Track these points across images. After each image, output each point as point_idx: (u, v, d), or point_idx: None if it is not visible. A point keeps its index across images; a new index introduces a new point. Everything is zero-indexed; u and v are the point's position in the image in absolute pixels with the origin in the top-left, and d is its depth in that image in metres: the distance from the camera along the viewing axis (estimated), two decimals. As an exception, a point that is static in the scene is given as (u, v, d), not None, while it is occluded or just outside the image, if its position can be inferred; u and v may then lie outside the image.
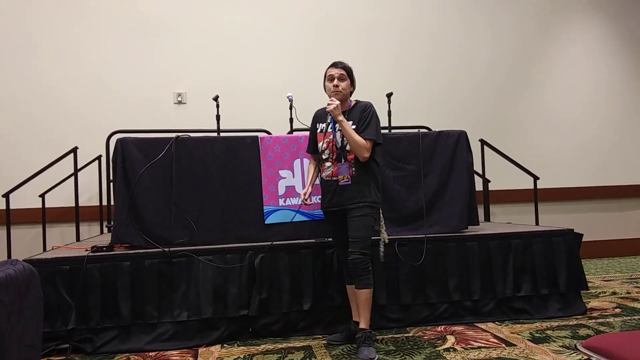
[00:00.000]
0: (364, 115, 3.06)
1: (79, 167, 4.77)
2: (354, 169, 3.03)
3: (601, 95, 6.52)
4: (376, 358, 2.90)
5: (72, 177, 4.79)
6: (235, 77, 5.59)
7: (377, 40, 6.01)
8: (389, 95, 4.65)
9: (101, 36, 5.47)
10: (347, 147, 3.04)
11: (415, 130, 3.96)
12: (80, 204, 4.86)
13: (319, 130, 3.18)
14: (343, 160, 3.05)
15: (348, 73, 3.09)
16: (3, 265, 1.55)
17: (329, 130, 3.11)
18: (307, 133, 3.58)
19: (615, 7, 6.58)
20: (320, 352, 3.07)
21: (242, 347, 3.21)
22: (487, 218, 5.14)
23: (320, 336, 3.39)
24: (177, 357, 3.09)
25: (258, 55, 5.70)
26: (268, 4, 5.81)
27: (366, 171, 3.06)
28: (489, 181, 5.30)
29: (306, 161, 3.67)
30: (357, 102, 3.16)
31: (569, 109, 6.42)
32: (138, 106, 5.41)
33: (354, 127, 3.02)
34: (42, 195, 4.67)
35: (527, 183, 5.20)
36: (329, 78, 3.10)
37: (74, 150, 4.71)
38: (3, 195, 4.20)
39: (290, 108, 4.23)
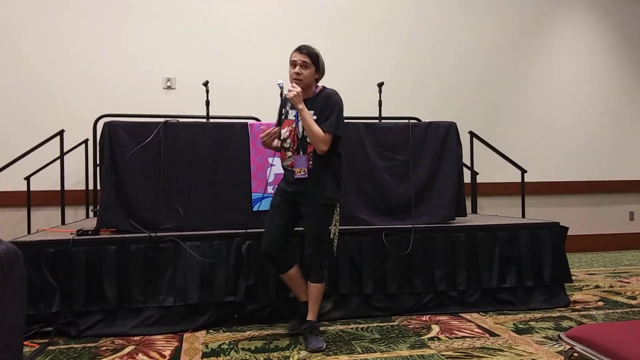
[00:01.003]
0: (326, 105, 2.88)
1: (65, 150, 4.71)
2: (311, 162, 2.88)
3: (590, 90, 6.58)
4: (324, 347, 2.89)
5: (58, 161, 4.73)
6: (225, 64, 5.54)
7: (377, 34, 5.99)
8: (380, 85, 4.64)
9: (91, 20, 5.39)
10: (308, 139, 2.88)
11: (406, 121, 3.95)
12: (66, 187, 4.80)
13: (284, 116, 3.02)
14: (302, 152, 2.89)
15: (313, 60, 2.89)
16: (-14, 245, 1.53)
17: (292, 118, 2.96)
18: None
19: (611, 1, 6.61)
20: (306, 339, 3.08)
21: (227, 333, 3.21)
22: (474, 210, 5.17)
23: (306, 324, 3.39)
24: (162, 342, 3.08)
25: (249, 42, 5.65)
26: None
27: (325, 165, 2.91)
28: (477, 173, 5.33)
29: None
30: (323, 89, 2.98)
31: (557, 104, 6.47)
32: (127, 91, 5.35)
33: (315, 117, 2.86)
34: (28, 178, 4.62)
35: (514, 176, 5.24)
36: (291, 63, 2.90)
37: (60, 134, 4.64)
38: (-13, 177, 4.15)
39: (281, 95, 4.19)
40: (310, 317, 3.01)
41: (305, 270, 3.05)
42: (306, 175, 2.88)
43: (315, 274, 2.97)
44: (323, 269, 2.98)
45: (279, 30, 5.72)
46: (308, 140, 2.88)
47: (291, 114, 2.97)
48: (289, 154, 2.95)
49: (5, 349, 1.43)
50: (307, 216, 2.96)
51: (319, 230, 2.96)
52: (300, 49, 2.90)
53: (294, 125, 2.93)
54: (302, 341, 3.01)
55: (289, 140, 2.94)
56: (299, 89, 2.82)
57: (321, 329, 3.27)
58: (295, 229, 3.11)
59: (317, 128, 2.82)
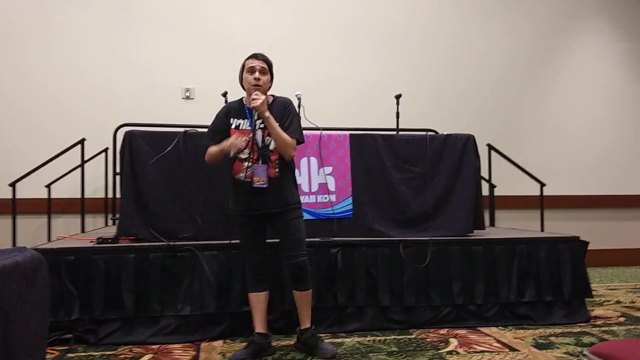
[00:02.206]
0: (286, 112, 2.89)
1: (85, 159, 4.78)
2: (277, 170, 2.86)
3: (611, 104, 6.50)
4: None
5: (78, 169, 4.80)
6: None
7: (393, 45, 6.00)
8: (398, 97, 4.64)
9: (112, 30, 5.48)
10: (271, 147, 2.84)
11: (423, 133, 3.95)
12: (86, 195, 4.86)
13: (233, 126, 2.91)
14: (261, 162, 2.83)
15: (269, 67, 2.90)
16: (11, 252, 1.55)
17: (247, 127, 2.89)
18: (315, 132, 3.59)
19: (628, 13, 6.56)
20: (322, 351, 3.06)
21: (244, 343, 3.20)
22: (492, 223, 5.12)
23: (323, 335, 3.37)
24: (180, 351, 3.09)
25: (266, 53, 5.68)
26: (279, 2, 5.81)
27: (288, 170, 2.94)
28: (495, 186, 5.28)
29: (313, 160, 3.67)
30: (275, 97, 2.98)
31: (578, 116, 6.40)
32: (146, 101, 5.42)
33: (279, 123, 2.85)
34: (49, 186, 4.68)
35: (533, 189, 5.18)
36: (249, 70, 2.86)
37: (81, 142, 4.71)
38: (10, 185, 4.21)
39: (299, 107, 4.22)
40: (308, 324, 3.00)
41: (295, 280, 2.95)
42: (265, 185, 2.81)
43: (307, 280, 2.95)
44: (309, 273, 2.98)
45: (295, 40, 5.76)
46: (271, 148, 2.85)
47: (244, 124, 2.90)
48: (247, 164, 2.84)
49: (29, 356, 1.45)
50: (286, 224, 2.90)
51: (302, 234, 2.93)
52: (257, 56, 2.91)
53: (250, 135, 2.84)
54: (308, 351, 3.00)
55: (246, 151, 2.83)
56: (263, 97, 2.78)
57: (338, 340, 3.26)
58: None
59: (286, 135, 2.83)
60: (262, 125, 2.86)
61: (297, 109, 2.97)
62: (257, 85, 2.84)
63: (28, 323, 1.46)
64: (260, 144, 2.87)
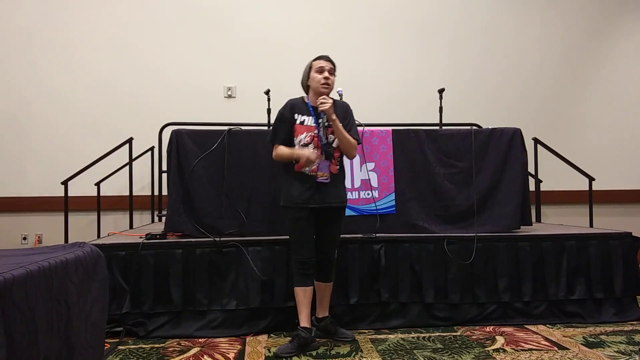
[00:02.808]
0: (346, 114, 3.06)
1: (132, 157, 4.91)
2: (338, 167, 3.04)
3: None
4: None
5: (126, 167, 4.94)
6: (283, 72, 5.60)
7: (430, 38, 5.94)
8: (441, 92, 4.58)
9: (155, 31, 5.61)
10: (334, 144, 3.00)
11: (467, 127, 3.89)
12: (133, 193, 5.00)
13: (298, 121, 3.01)
14: (325, 158, 2.98)
15: (335, 68, 3.04)
16: (72, 247, 1.62)
17: (312, 124, 3.01)
18: (358, 128, 3.57)
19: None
20: (367, 347, 3.07)
21: (288, 338, 3.23)
22: (538, 219, 5.00)
23: (366, 331, 3.39)
24: (226, 345, 3.15)
25: (306, 50, 5.67)
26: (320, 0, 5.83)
27: (342, 171, 3.10)
28: (541, 181, 5.16)
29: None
30: (333, 100, 3.06)
31: (626, 108, 6.17)
32: (189, 99, 5.52)
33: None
34: (98, 184, 4.83)
35: (581, 184, 5.03)
36: (318, 69, 2.98)
37: (129, 141, 4.85)
38: (62, 183, 4.37)
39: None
40: (327, 313, 3.19)
41: (323, 272, 3.10)
42: (328, 180, 2.98)
43: (333, 274, 3.14)
44: (334, 268, 3.17)
45: (333, 37, 5.76)
46: (334, 145, 3.00)
47: (309, 120, 3.01)
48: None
49: (90, 347, 1.51)
50: (335, 220, 3.07)
51: (340, 233, 3.14)
52: (326, 58, 3.03)
53: (315, 132, 2.98)
54: (326, 337, 3.18)
55: (311, 146, 2.98)
56: (330, 100, 2.94)
57: (381, 336, 3.26)
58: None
59: (350, 136, 2.99)
60: (326, 124, 2.97)
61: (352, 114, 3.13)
62: (326, 84, 2.96)
63: (89, 315, 1.52)
64: (323, 141, 2.98)
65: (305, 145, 2.96)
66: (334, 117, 2.93)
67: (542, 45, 6.09)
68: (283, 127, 3.04)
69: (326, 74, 2.97)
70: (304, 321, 3.01)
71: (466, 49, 5.97)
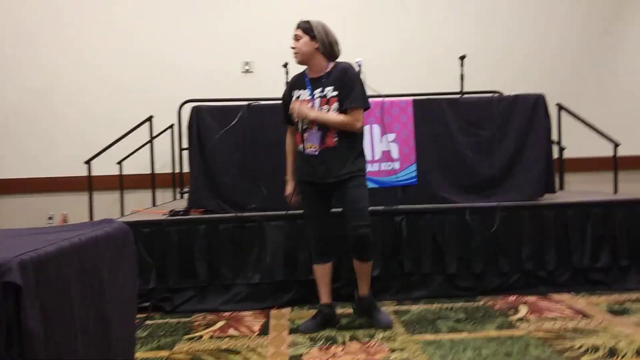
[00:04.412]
0: (345, 78, 2.80)
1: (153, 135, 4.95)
2: (336, 138, 2.79)
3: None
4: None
5: (147, 146, 4.98)
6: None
7: (455, 6, 5.81)
8: (462, 58, 4.49)
9: (171, 7, 5.58)
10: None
11: (490, 95, 3.82)
12: (155, 171, 5.05)
13: (294, 98, 2.91)
14: (318, 129, 2.80)
15: (305, 30, 2.83)
16: (100, 223, 1.64)
17: (307, 97, 2.87)
18: (377, 99, 3.54)
19: None
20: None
21: (312, 310, 3.26)
22: (561, 186, 4.94)
23: (389, 302, 3.41)
24: (251, 318, 3.20)
25: (325, 21, 5.64)
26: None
27: (350, 139, 2.83)
28: (565, 148, 5.07)
29: (376, 127, 3.63)
30: (337, 64, 2.90)
31: (653, 72, 6.01)
32: (207, 76, 5.50)
33: (335, 92, 2.79)
34: (120, 163, 4.88)
35: (605, 150, 4.92)
36: None
37: (149, 119, 4.87)
38: (85, 162, 4.42)
39: (359, 74, 4.17)
40: (365, 291, 2.97)
41: (354, 250, 2.89)
42: (317, 153, 2.80)
43: (366, 252, 2.87)
44: (372, 246, 2.89)
45: (354, 10, 5.67)
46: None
47: (304, 94, 2.89)
48: (306, 135, 2.86)
49: (122, 320, 1.55)
50: (344, 192, 2.83)
51: (363, 203, 2.85)
52: (298, 24, 2.90)
53: (310, 105, 2.84)
54: (364, 319, 3.02)
55: (306, 121, 2.83)
56: (296, 106, 2.81)
57: (404, 308, 3.28)
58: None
59: (338, 119, 2.77)
60: (321, 94, 2.83)
61: (358, 77, 2.86)
62: (294, 53, 2.86)
63: (121, 290, 1.56)
64: (302, 125, 2.86)
65: (302, 120, 2.84)
66: (312, 116, 2.77)
67: (568, 12, 5.92)
68: (285, 107, 2.98)
69: (292, 43, 2.86)
70: (324, 298, 3.01)
71: (491, 17, 5.83)
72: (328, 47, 2.87)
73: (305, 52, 2.84)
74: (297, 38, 2.86)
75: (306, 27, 2.85)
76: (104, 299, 1.48)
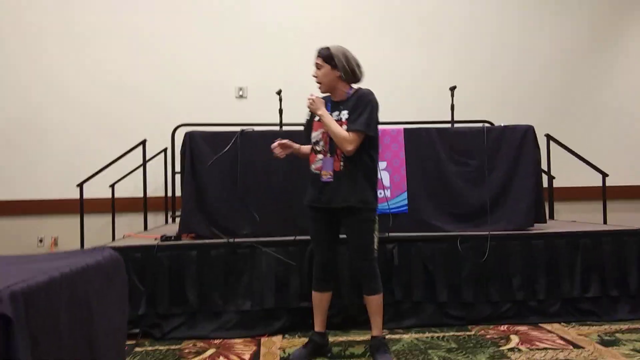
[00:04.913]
0: (358, 104, 2.76)
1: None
2: (342, 163, 2.75)
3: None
4: None
5: (139, 169, 4.99)
6: (295, 72, 5.61)
7: (438, 34, 5.93)
8: (453, 89, 4.57)
9: (165, 32, 5.65)
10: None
11: (479, 125, 3.88)
12: (147, 194, 5.05)
13: (316, 119, 2.88)
14: (329, 155, 2.78)
15: (325, 59, 2.81)
16: (91, 252, 1.64)
17: None
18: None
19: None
20: (382, 346, 3.07)
21: (303, 338, 3.25)
22: (551, 216, 4.98)
23: (381, 330, 3.39)
24: (241, 346, 3.17)
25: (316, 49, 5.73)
26: (328, -2, 5.85)
27: (356, 166, 2.77)
28: (554, 178, 5.13)
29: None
30: (358, 89, 2.86)
31: (638, 103, 6.12)
32: (201, 101, 5.56)
33: (347, 116, 2.76)
34: (112, 186, 4.88)
35: (594, 180, 5.00)
36: None
37: (143, 143, 4.89)
38: (77, 185, 4.42)
39: (375, 101, 4.20)
40: (375, 332, 2.86)
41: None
42: (330, 179, 2.77)
43: (369, 286, 2.82)
44: (377, 278, 2.83)
45: (347, 36, 5.73)
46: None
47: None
48: (320, 156, 2.83)
49: (111, 349, 1.54)
50: (349, 225, 2.82)
51: (365, 239, 2.81)
52: (316, 52, 2.88)
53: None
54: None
55: (321, 143, 2.83)
56: (314, 96, 2.83)
57: (395, 337, 3.26)
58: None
59: (339, 129, 2.72)
60: (337, 117, 2.80)
61: (372, 102, 2.78)
62: (317, 82, 2.86)
63: (110, 320, 1.55)
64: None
65: (317, 142, 2.85)
66: (319, 112, 2.78)
67: (553, 42, 6.06)
68: (306, 126, 3.00)
69: (314, 72, 2.86)
70: (317, 326, 2.97)
71: (476, 45, 5.96)
72: (350, 73, 2.84)
73: (328, 82, 2.84)
74: (318, 67, 2.85)
75: (326, 55, 2.83)
76: (93, 328, 1.47)
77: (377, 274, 2.85)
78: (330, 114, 2.82)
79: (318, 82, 2.85)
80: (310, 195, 2.90)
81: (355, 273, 2.90)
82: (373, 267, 2.83)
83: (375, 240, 2.87)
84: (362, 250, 2.81)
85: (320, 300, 2.96)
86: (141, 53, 5.62)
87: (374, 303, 2.85)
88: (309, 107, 2.84)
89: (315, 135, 2.88)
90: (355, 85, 2.90)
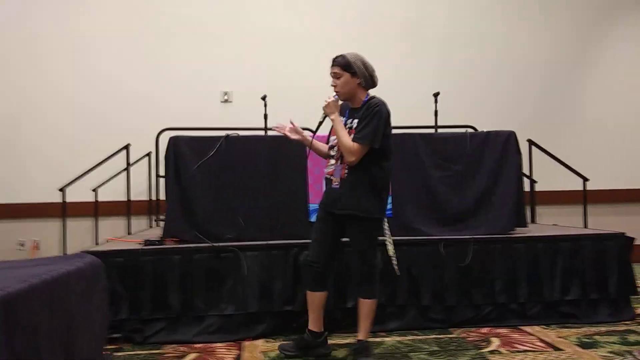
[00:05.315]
0: (366, 114, 2.75)
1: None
2: (347, 171, 2.78)
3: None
4: None
5: (123, 173, 4.96)
6: (280, 77, 5.65)
7: (421, 40, 5.98)
8: (436, 95, 4.61)
9: (150, 36, 5.63)
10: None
11: (463, 130, 3.92)
12: (131, 198, 5.03)
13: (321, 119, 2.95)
14: (339, 162, 2.83)
15: (343, 67, 2.81)
16: (72, 258, 1.64)
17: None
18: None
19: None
20: (364, 350, 3.09)
21: (286, 342, 3.26)
22: (533, 220, 5.05)
23: (364, 334, 3.40)
24: (223, 350, 3.17)
25: (303, 55, 5.75)
26: (312, 4, 5.85)
27: (361, 176, 2.77)
28: (536, 182, 5.20)
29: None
30: (371, 98, 2.87)
31: (618, 108, 6.22)
32: (186, 105, 5.53)
33: (356, 125, 2.78)
34: (95, 190, 4.85)
35: (575, 184, 5.08)
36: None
37: (126, 147, 4.87)
38: (60, 190, 4.38)
39: (385, 112, 4.21)
40: (361, 336, 2.85)
41: (355, 287, 2.98)
42: (338, 185, 2.81)
43: (364, 290, 2.85)
44: (374, 284, 2.86)
45: (334, 42, 5.74)
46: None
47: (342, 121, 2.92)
48: (333, 161, 2.89)
49: (91, 355, 1.54)
50: (350, 232, 2.86)
51: (364, 246, 2.84)
52: (332, 61, 2.88)
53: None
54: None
55: (335, 148, 2.88)
56: (331, 99, 2.82)
57: (378, 339, 3.28)
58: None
59: (346, 138, 2.74)
60: (350, 125, 2.83)
61: (379, 113, 2.76)
62: (335, 91, 2.86)
63: (90, 326, 1.55)
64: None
65: (332, 147, 2.92)
66: (332, 116, 2.80)
67: (535, 48, 6.13)
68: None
69: (332, 81, 2.87)
70: (311, 324, 2.98)
71: (459, 52, 6.01)
72: (369, 79, 2.87)
73: (348, 91, 2.84)
74: (336, 76, 2.83)
75: (344, 63, 2.83)
76: (72, 334, 1.47)
77: (375, 279, 2.87)
78: (346, 120, 2.86)
79: (337, 92, 2.85)
80: (323, 196, 3.00)
81: (354, 277, 2.96)
82: (372, 272, 2.85)
83: (390, 247, 2.98)
84: (360, 255, 2.86)
85: (311, 300, 2.96)
86: (126, 57, 5.59)
87: (367, 307, 2.86)
88: (323, 108, 2.84)
89: (332, 139, 2.90)
90: (371, 92, 2.93)
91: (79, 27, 5.55)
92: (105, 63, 5.56)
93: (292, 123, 3.05)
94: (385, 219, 3.00)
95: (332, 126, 2.89)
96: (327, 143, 3.00)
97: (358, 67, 2.82)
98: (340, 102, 2.89)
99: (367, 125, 2.73)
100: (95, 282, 1.61)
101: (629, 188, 6.11)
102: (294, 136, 3.04)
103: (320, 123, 2.96)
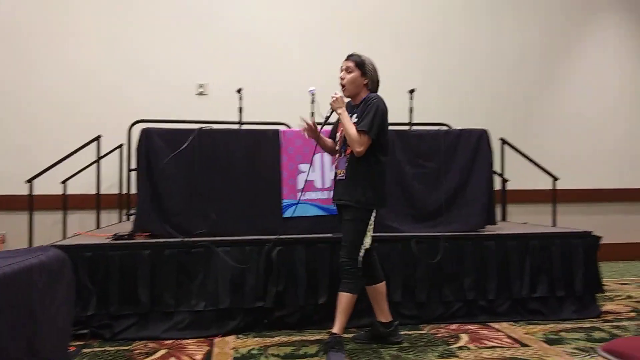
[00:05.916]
0: (365, 107, 2.90)
1: (100, 155, 4.84)
2: (347, 164, 2.93)
3: (625, 96, 6.46)
4: None
5: (93, 165, 4.86)
6: (257, 70, 5.61)
7: (402, 39, 6.00)
8: (411, 92, 4.64)
9: (124, 26, 5.53)
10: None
11: (437, 128, 3.95)
12: (101, 192, 4.93)
13: (328, 115, 3.06)
14: (343, 155, 2.97)
15: (358, 65, 2.95)
16: (35, 251, 1.60)
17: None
18: (328, 128, 3.60)
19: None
20: (335, 346, 3.09)
21: (257, 339, 3.25)
22: (503, 217, 5.12)
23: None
24: (194, 346, 3.14)
25: (280, 49, 5.72)
26: (292, -1, 5.84)
27: (360, 169, 2.90)
28: (507, 180, 5.28)
29: (326, 156, 3.69)
30: (368, 94, 3.01)
31: (591, 109, 6.37)
32: (160, 97, 5.46)
33: (356, 120, 2.90)
34: (64, 182, 4.74)
35: (545, 183, 5.17)
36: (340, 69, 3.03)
37: (97, 139, 4.77)
38: (27, 181, 4.27)
39: (312, 103, 4.22)
40: (334, 329, 2.86)
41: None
42: (344, 177, 2.94)
43: (345, 283, 2.87)
44: (353, 279, 2.87)
45: (310, 37, 5.77)
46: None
47: None
48: (337, 155, 3.06)
49: (55, 352, 1.50)
50: (343, 222, 2.96)
51: (352, 237, 2.89)
52: (348, 56, 3.00)
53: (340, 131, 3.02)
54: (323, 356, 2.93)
55: (339, 143, 3.03)
56: (338, 94, 2.93)
57: (348, 335, 3.29)
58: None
59: (353, 130, 2.85)
60: (355, 120, 2.92)
61: (377, 106, 2.88)
62: (341, 84, 2.98)
63: (54, 321, 1.51)
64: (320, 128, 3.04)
65: (337, 142, 3.08)
66: (339, 111, 2.90)
67: (508, 48, 6.23)
68: (334, 127, 3.19)
69: (342, 73, 2.99)
70: (378, 316, 3.12)
71: (433, 51, 6.06)
72: (375, 83, 3.04)
73: (354, 88, 2.98)
74: (348, 70, 2.96)
75: (359, 62, 2.97)
76: (36, 330, 1.43)
77: (356, 274, 2.90)
78: (351, 117, 2.96)
79: (343, 86, 2.96)
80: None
81: (341, 269, 2.92)
82: (353, 266, 2.89)
83: (368, 241, 2.94)
84: (346, 247, 2.91)
85: (370, 294, 3.12)
86: (99, 47, 5.48)
87: (344, 301, 2.87)
88: (331, 105, 2.93)
89: (339, 135, 3.06)
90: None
91: (52, 18, 5.43)
92: (78, 53, 5.45)
93: (313, 124, 3.08)
94: (374, 213, 2.97)
95: (337, 120, 3.01)
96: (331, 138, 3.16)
97: (369, 69, 2.99)
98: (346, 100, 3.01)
99: (366, 116, 2.87)
100: (59, 276, 1.57)
101: (596, 188, 6.25)
102: (311, 135, 3.08)
103: (327, 118, 3.03)
